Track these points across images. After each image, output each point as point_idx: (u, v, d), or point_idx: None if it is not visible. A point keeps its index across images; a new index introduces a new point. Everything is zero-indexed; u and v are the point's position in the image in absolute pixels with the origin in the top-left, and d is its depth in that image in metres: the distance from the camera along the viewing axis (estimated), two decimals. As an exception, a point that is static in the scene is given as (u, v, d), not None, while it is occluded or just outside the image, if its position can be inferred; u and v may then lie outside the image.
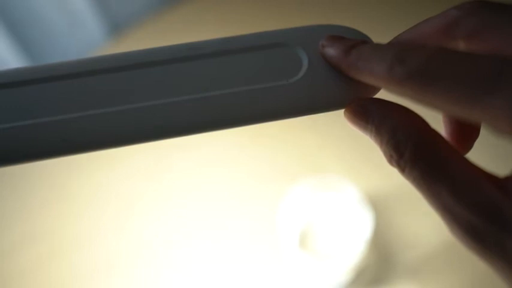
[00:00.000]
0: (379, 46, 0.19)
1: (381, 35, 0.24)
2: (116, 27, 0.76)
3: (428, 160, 0.18)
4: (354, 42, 0.20)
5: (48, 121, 0.20)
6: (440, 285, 0.51)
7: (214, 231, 0.56)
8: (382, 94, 0.21)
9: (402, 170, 0.18)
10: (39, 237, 0.58)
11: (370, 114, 0.20)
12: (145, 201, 0.59)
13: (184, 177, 0.61)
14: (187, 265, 0.54)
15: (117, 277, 0.54)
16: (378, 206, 0.54)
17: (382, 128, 0.19)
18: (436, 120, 0.21)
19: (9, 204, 0.61)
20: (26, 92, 0.20)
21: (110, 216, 0.59)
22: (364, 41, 0.21)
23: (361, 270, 0.51)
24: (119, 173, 0.62)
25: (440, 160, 0.18)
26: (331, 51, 0.21)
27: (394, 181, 0.56)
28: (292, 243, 0.50)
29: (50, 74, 0.20)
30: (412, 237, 0.53)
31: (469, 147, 0.21)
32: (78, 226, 0.58)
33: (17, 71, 0.20)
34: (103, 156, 0.62)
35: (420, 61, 0.17)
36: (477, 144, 0.21)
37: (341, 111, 0.22)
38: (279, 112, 0.21)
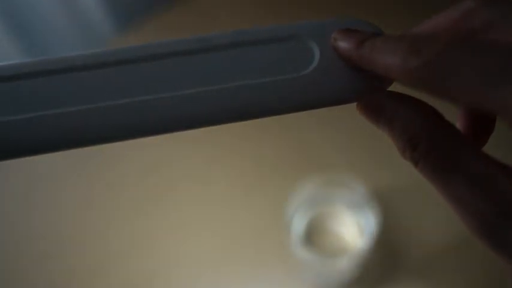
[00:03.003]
0: (392, 37, 0.19)
1: (394, 29, 0.24)
2: (123, 23, 0.76)
3: (442, 152, 0.18)
4: (366, 35, 0.20)
5: (55, 113, 0.20)
6: (446, 284, 0.51)
7: (220, 228, 0.56)
8: (395, 87, 0.21)
9: (416, 163, 0.18)
10: (37, 236, 0.58)
11: (383, 108, 0.19)
12: (148, 197, 0.59)
13: (189, 174, 0.61)
14: (191, 263, 0.54)
15: (119, 276, 0.54)
16: (385, 203, 0.54)
17: (395, 121, 0.19)
18: (450, 113, 0.21)
19: (11, 202, 0.61)
20: (32, 85, 0.20)
21: (112, 214, 0.58)
22: (377, 33, 0.21)
23: (367, 268, 0.51)
24: (122, 170, 0.62)
25: (454, 152, 0.17)
26: (344, 44, 0.20)
27: (402, 178, 0.55)
28: (298, 241, 0.50)
29: (56, 66, 0.20)
30: (418, 235, 0.53)
31: (484, 141, 0.21)
32: (77, 224, 0.58)
33: (24, 64, 0.20)
34: (106, 153, 0.62)
35: (435, 51, 0.17)
36: (492, 136, 0.21)
37: (350, 107, 0.22)
38: (289, 105, 0.21)
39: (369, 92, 0.21)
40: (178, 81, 0.21)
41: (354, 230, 0.52)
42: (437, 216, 0.53)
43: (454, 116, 0.21)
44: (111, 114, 0.20)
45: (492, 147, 0.22)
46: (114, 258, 0.55)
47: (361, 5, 0.71)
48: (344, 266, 0.48)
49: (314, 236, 0.52)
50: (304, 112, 0.22)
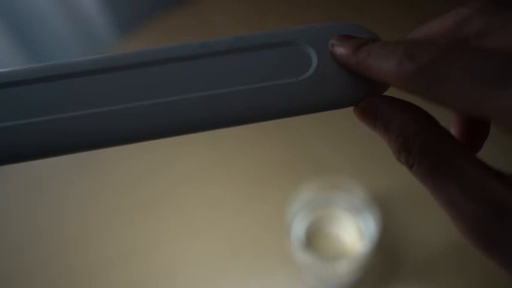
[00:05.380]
0: (388, 43, 0.19)
1: (390, 34, 0.24)
2: (124, 28, 0.76)
3: (436, 156, 0.18)
4: (363, 40, 0.20)
5: (56, 118, 0.20)
6: (446, 286, 0.51)
7: (219, 232, 0.56)
8: (392, 92, 0.21)
9: (410, 166, 0.19)
10: (38, 238, 0.58)
11: (379, 112, 0.20)
12: (148, 201, 0.59)
13: (188, 177, 0.61)
14: (191, 266, 0.54)
15: (120, 278, 0.54)
16: (385, 206, 0.54)
17: (391, 125, 0.19)
18: (444, 119, 0.21)
19: (10, 204, 0.62)
20: (37, 90, 0.20)
21: (113, 217, 0.59)
22: (374, 39, 0.21)
23: (367, 271, 0.51)
24: (123, 173, 0.62)
25: (448, 156, 0.18)
26: (341, 49, 0.21)
27: (402, 182, 0.56)
28: (299, 243, 0.51)
29: (57, 72, 0.21)
30: (418, 238, 0.53)
31: (478, 147, 0.21)
32: (79, 226, 0.59)
33: (25, 70, 0.21)
34: (106, 155, 0.62)
35: (430, 57, 0.17)
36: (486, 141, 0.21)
37: (350, 111, 0.22)
38: (288, 110, 0.21)
39: (366, 97, 0.21)
40: (177, 86, 0.21)
41: (353, 233, 0.52)
42: (436, 219, 0.53)
43: (449, 121, 0.21)
44: (111, 119, 0.20)
45: (487, 153, 0.22)
46: (116, 260, 0.55)
47: (360, 7, 0.72)
48: (344, 269, 0.48)
49: (314, 239, 0.52)
50: (303, 116, 0.22)
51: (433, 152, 0.18)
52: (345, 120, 0.58)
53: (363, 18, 0.68)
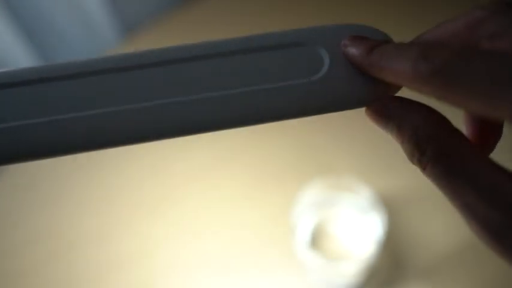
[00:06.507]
0: (402, 45, 0.19)
1: (402, 35, 0.24)
2: (128, 27, 0.76)
3: (450, 157, 0.18)
4: (376, 42, 0.20)
5: (59, 119, 0.20)
6: (452, 288, 0.51)
7: (225, 231, 0.56)
8: (404, 92, 0.21)
9: (423, 167, 0.19)
10: (41, 238, 0.58)
11: (392, 113, 0.20)
12: (152, 202, 0.59)
13: (194, 177, 0.61)
14: (194, 267, 0.54)
15: (121, 279, 0.54)
16: (391, 207, 0.54)
17: (404, 126, 0.19)
18: (457, 120, 0.21)
19: (11, 204, 0.62)
20: (46, 89, 0.20)
21: (115, 217, 0.59)
22: (387, 40, 0.21)
23: (373, 272, 0.51)
24: (123, 173, 0.62)
25: (462, 158, 0.18)
26: (354, 50, 0.21)
27: (408, 182, 0.55)
28: (304, 244, 0.50)
29: (62, 72, 0.21)
30: (424, 239, 0.53)
31: (491, 148, 0.21)
32: (80, 227, 0.58)
33: (30, 70, 0.21)
34: (108, 156, 0.62)
35: (444, 58, 0.17)
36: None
37: (357, 111, 0.22)
38: (299, 110, 0.21)
39: (378, 97, 0.21)
40: (187, 86, 0.21)
41: (360, 234, 0.52)
42: (443, 221, 0.53)
43: (460, 122, 0.21)
44: (116, 119, 0.20)
45: (498, 153, 0.22)
46: (117, 261, 0.55)
47: (370, 8, 0.72)
48: (350, 270, 0.48)
49: (320, 240, 0.52)
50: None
51: (446, 153, 0.18)
52: (352, 119, 0.58)
53: (372, 19, 0.68)
